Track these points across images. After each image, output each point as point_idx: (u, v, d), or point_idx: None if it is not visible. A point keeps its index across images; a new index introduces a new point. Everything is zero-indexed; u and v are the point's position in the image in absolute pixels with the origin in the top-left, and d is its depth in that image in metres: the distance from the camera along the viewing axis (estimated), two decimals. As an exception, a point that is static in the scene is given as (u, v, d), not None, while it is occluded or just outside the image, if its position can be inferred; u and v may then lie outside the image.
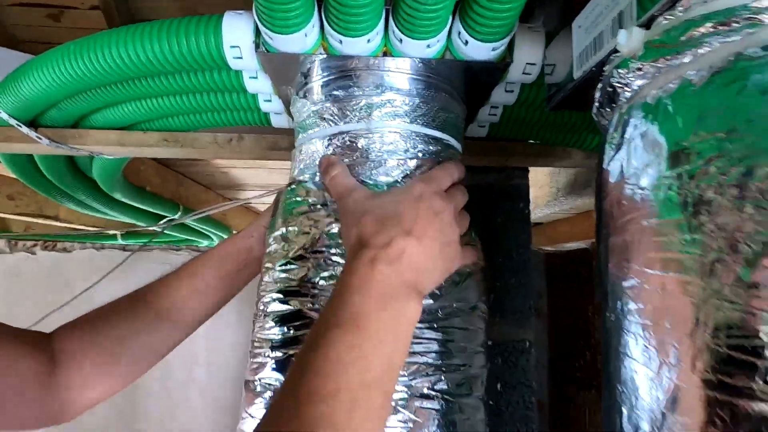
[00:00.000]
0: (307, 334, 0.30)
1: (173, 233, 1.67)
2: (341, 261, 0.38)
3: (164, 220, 1.36)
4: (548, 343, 1.18)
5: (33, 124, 0.62)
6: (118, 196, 1.05)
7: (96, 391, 0.42)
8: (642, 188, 0.25)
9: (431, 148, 0.43)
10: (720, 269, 0.20)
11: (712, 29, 0.23)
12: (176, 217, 1.37)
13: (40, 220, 1.83)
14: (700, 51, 0.23)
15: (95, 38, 0.45)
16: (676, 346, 0.21)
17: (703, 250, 0.21)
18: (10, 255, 0.92)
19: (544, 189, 1.32)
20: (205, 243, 1.87)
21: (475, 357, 0.40)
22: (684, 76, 0.24)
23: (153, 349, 0.45)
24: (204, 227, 1.71)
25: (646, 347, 0.23)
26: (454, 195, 0.38)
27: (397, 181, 0.40)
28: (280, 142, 0.64)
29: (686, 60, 0.24)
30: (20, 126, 0.59)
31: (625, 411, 0.25)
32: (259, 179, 1.68)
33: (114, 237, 1.44)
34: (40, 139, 0.61)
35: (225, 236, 1.94)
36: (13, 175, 0.86)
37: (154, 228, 1.44)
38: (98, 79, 0.49)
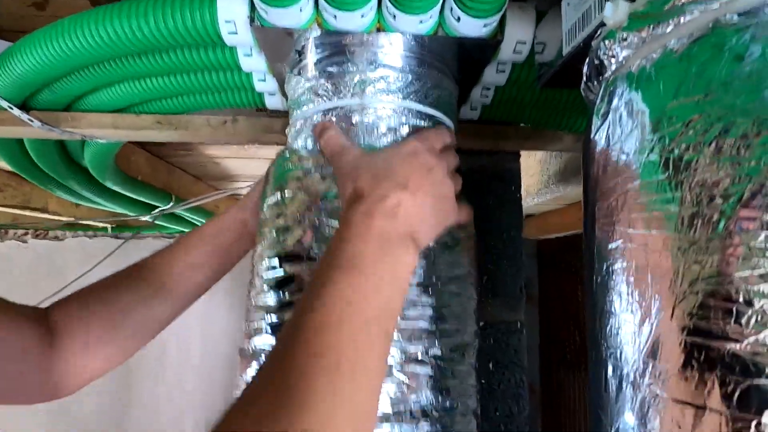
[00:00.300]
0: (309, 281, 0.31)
1: (164, 224, 1.66)
2: (336, 225, 0.39)
3: (156, 211, 1.35)
4: (539, 328, 1.20)
5: (24, 107, 0.61)
6: (109, 184, 1.04)
7: (95, 364, 0.43)
8: (626, 153, 0.26)
9: (424, 124, 0.44)
10: (698, 222, 0.21)
11: (692, -3, 0.24)
12: (167, 207, 1.37)
13: (28, 212, 1.80)
14: (682, 20, 0.24)
15: (89, 14, 0.45)
16: (658, 298, 0.23)
17: (682, 205, 0.22)
18: (1, 243, 0.91)
19: (536, 177, 1.34)
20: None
21: (468, 324, 0.42)
22: (666, 44, 0.25)
23: (151, 322, 0.46)
24: (196, 218, 1.70)
25: (630, 302, 0.25)
26: (446, 154, 0.39)
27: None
28: (275, 125, 0.65)
29: (668, 29, 0.25)
30: (11, 108, 0.59)
31: (610, 366, 0.26)
32: (251, 170, 1.67)
33: (104, 228, 1.44)
34: (31, 121, 0.61)
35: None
36: None
37: (146, 219, 1.43)
38: (91, 57, 0.49)
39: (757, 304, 0.18)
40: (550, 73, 0.40)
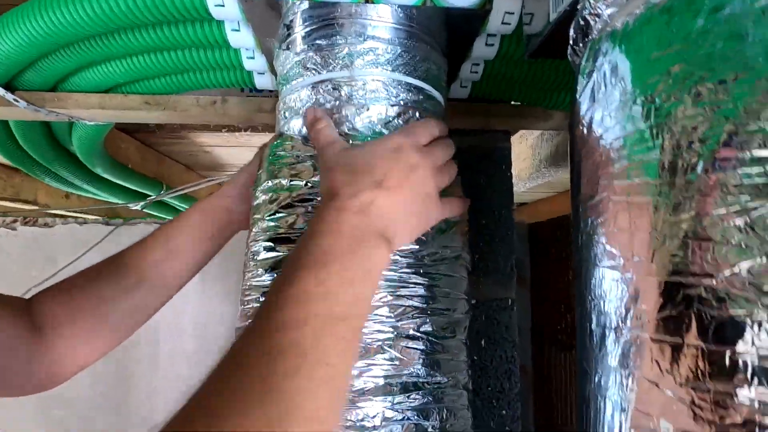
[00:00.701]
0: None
1: (155, 213, 1.65)
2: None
3: (148, 200, 1.34)
4: (531, 310, 1.22)
5: (9, 87, 0.60)
6: (99, 171, 1.03)
7: (82, 355, 0.43)
8: (610, 108, 0.27)
9: (413, 97, 0.44)
10: (678, 167, 0.21)
11: (674, -50, 0.24)
12: (156, 195, 1.36)
13: (18, 205, 1.78)
14: (664, -27, 0.25)
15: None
16: (639, 244, 0.23)
17: (663, 152, 0.22)
18: (-11, 230, 0.90)
19: (527, 161, 1.34)
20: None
21: (459, 303, 0.42)
22: (649, 0, 0.25)
23: (135, 312, 0.45)
24: (187, 207, 1.70)
25: (612, 253, 0.25)
26: (432, 150, 0.37)
27: (379, 132, 0.41)
28: (264, 105, 0.64)
29: (651, -17, 0.25)
30: (-5, 87, 0.58)
31: (594, 317, 0.27)
32: (242, 159, 1.66)
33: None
34: (17, 101, 0.60)
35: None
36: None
37: (135, 207, 1.42)
38: (76, 33, 0.48)
39: (733, 240, 0.19)
40: (538, 41, 0.40)
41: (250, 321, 0.27)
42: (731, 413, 0.18)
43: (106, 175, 1.07)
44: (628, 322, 0.23)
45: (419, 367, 0.37)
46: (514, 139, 1.30)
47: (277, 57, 0.49)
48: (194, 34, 0.50)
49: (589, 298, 0.27)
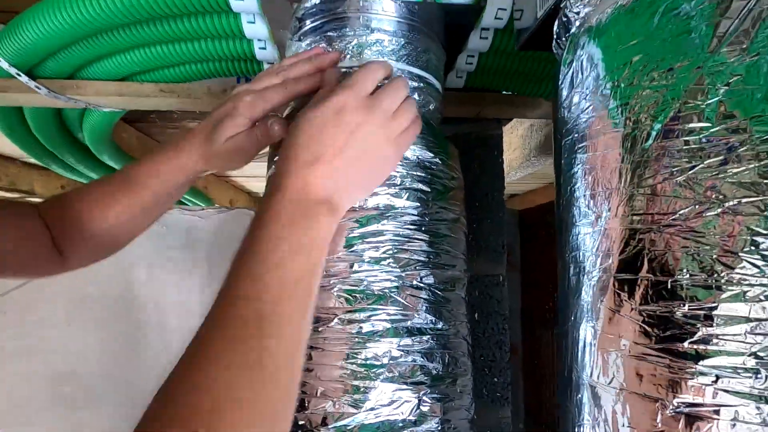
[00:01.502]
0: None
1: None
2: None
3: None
4: (521, 292, 1.28)
5: (30, 74, 0.64)
6: (105, 158, 1.06)
7: (90, 250, 0.47)
8: (585, 93, 0.32)
9: (414, 84, 0.48)
10: (637, 138, 0.27)
11: (638, -40, 0.29)
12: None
13: (14, 195, 1.79)
14: (630, -21, 0.30)
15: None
16: (607, 202, 0.28)
17: (626, 127, 0.27)
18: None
19: (518, 151, 1.40)
20: (193, 203, 1.88)
21: (458, 261, 0.47)
22: (618, 1, 0.30)
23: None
24: (186, 197, 1.72)
25: (587, 212, 0.30)
26: (378, 100, 0.36)
27: None
28: (272, 93, 0.68)
29: (620, -13, 0.30)
30: (20, 75, 0.61)
31: (571, 266, 0.32)
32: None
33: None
34: (39, 89, 0.63)
35: (203, 205, 1.95)
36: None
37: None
38: (100, 25, 0.52)
39: (675, 193, 0.24)
40: (527, 34, 0.45)
41: (215, 301, 0.29)
42: (670, 327, 0.24)
43: (111, 163, 1.10)
44: (598, 265, 0.29)
45: (423, 314, 0.42)
46: (506, 130, 1.35)
47: (288, 48, 0.53)
48: (211, 26, 0.54)
49: (568, 250, 0.33)
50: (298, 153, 0.34)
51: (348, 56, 0.47)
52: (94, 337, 0.98)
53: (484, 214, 0.77)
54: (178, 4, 0.48)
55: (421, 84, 0.49)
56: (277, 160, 0.37)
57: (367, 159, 0.36)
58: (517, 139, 1.40)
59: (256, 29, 0.53)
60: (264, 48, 0.58)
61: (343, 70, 0.45)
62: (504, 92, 0.72)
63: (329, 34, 0.48)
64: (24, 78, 0.62)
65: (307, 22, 0.50)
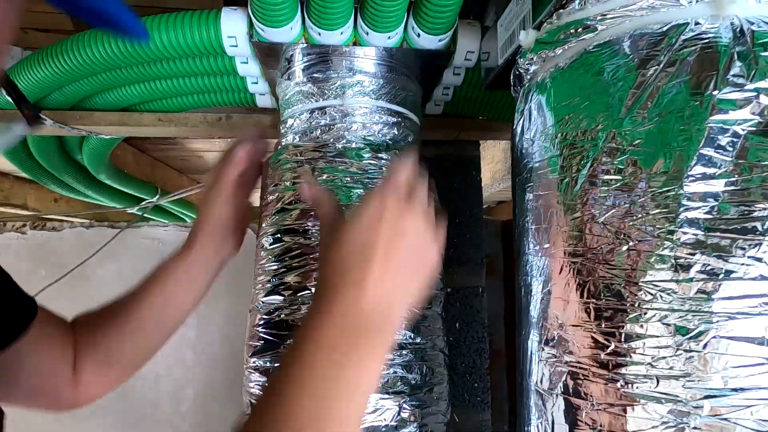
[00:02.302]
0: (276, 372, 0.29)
1: (149, 216, 1.71)
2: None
3: (143, 203, 1.41)
4: (504, 299, 1.34)
5: (36, 106, 0.68)
6: (103, 177, 1.10)
7: (109, 380, 0.45)
8: (533, 139, 0.37)
9: (393, 119, 0.54)
10: (570, 182, 0.32)
11: (571, 32, 0.35)
12: (153, 199, 1.43)
13: (8, 209, 1.82)
14: (566, 46, 0.35)
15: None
16: (549, 236, 0.34)
17: (561, 172, 0.33)
18: (0, 235, 0.96)
19: (500, 164, 1.46)
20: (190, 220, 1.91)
21: (434, 280, 0.52)
22: (557, 63, 0.36)
23: (139, 352, 0.47)
24: (180, 210, 1.76)
25: (534, 242, 0.36)
26: (415, 197, 0.33)
27: (368, 142, 0.51)
28: (264, 120, 0.73)
29: (558, 53, 0.36)
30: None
31: (523, 289, 0.37)
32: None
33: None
34: (44, 120, 0.68)
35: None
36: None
37: (133, 211, 1.48)
38: (108, 65, 0.57)
39: (597, 230, 0.30)
40: (491, 77, 0.51)
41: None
42: (595, 342, 0.29)
43: (108, 182, 1.14)
44: (540, 288, 0.34)
45: (403, 331, 0.47)
46: (489, 144, 1.41)
47: (279, 84, 0.59)
48: (207, 65, 0.59)
49: (521, 274, 0.38)
50: (346, 270, 0.30)
51: (331, 96, 0.53)
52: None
53: (464, 229, 0.83)
54: (180, 49, 0.53)
55: (400, 119, 0.55)
56: (317, 277, 0.34)
57: (416, 260, 0.32)
58: (500, 152, 1.46)
59: (248, 68, 0.58)
60: (256, 83, 0.63)
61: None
62: (480, 117, 0.78)
63: (315, 75, 0.53)
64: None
65: (296, 63, 0.55)
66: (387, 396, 0.44)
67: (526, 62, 0.39)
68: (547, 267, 0.33)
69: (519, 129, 0.40)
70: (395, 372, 0.45)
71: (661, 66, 0.28)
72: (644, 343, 0.26)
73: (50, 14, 0.76)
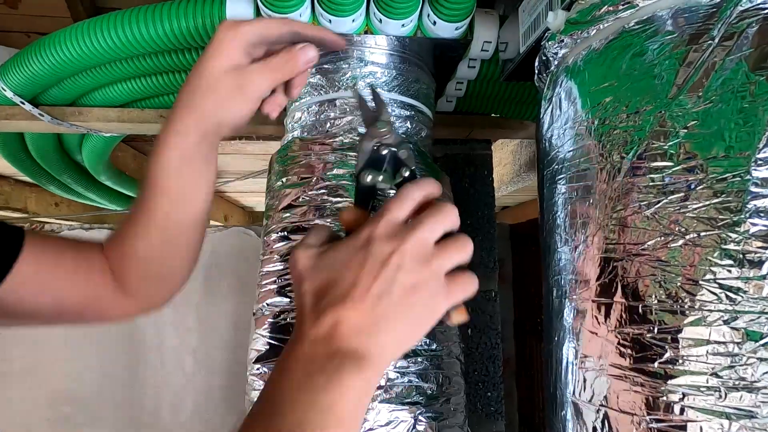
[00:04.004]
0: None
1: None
2: (333, 200, 0.46)
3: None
4: (514, 304, 1.30)
5: (34, 102, 0.66)
6: (103, 179, 1.08)
7: (152, 296, 0.42)
8: (563, 128, 0.34)
9: (406, 112, 0.51)
10: (609, 173, 0.29)
11: (607, 10, 0.32)
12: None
13: (8, 213, 1.79)
14: (601, 26, 0.33)
15: (108, 18, 0.50)
16: (585, 231, 0.31)
17: (599, 162, 0.30)
18: None
19: (508, 167, 1.43)
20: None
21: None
22: (591, 45, 0.33)
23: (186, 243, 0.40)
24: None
25: (566, 238, 0.33)
26: (413, 226, 0.28)
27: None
28: (268, 117, 0.71)
29: (592, 33, 0.33)
30: (23, 103, 0.63)
31: (555, 290, 0.34)
32: (237, 166, 1.70)
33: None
34: (42, 116, 0.65)
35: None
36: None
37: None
38: (107, 57, 0.54)
39: (643, 225, 0.27)
40: (511, 67, 0.48)
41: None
42: (642, 348, 0.26)
43: (109, 183, 1.11)
44: (577, 289, 0.31)
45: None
46: (496, 146, 1.38)
47: (286, 77, 0.56)
48: (212, 57, 0.56)
49: (551, 274, 0.35)
50: (319, 297, 0.28)
51: (343, 87, 0.50)
52: (93, 357, 0.98)
53: (475, 231, 0.80)
54: (182, 38, 0.50)
55: (413, 112, 0.52)
56: (294, 298, 0.31)
57: (405, 297, 0.28)
58: (508, 154, 1.43)
59: (254, 61, 0.55)
60: (262, 77, 0.60)
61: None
62: (492, 115, 0.75)
63: (325, 66, 0.51)
64: (28, 106, 0.64)
65: (304, 54, 0.52)
66: (401, 407, 0.41)
67: (555, 45, 0.36)
68: (584, 266, 0.30)
69: (546, 118, 0.37)
70: (410, 381, 0.41)
71: (717, 41, 0.26)
72: (707, 350, 0.23)
73: (52, 18, 0.73)
